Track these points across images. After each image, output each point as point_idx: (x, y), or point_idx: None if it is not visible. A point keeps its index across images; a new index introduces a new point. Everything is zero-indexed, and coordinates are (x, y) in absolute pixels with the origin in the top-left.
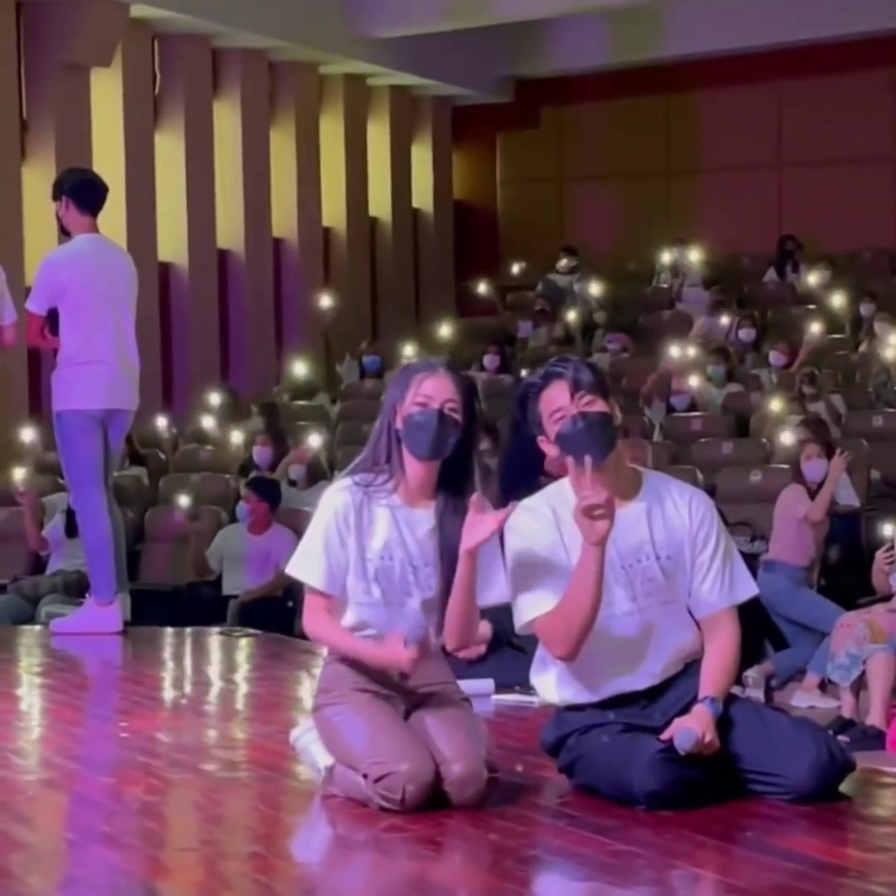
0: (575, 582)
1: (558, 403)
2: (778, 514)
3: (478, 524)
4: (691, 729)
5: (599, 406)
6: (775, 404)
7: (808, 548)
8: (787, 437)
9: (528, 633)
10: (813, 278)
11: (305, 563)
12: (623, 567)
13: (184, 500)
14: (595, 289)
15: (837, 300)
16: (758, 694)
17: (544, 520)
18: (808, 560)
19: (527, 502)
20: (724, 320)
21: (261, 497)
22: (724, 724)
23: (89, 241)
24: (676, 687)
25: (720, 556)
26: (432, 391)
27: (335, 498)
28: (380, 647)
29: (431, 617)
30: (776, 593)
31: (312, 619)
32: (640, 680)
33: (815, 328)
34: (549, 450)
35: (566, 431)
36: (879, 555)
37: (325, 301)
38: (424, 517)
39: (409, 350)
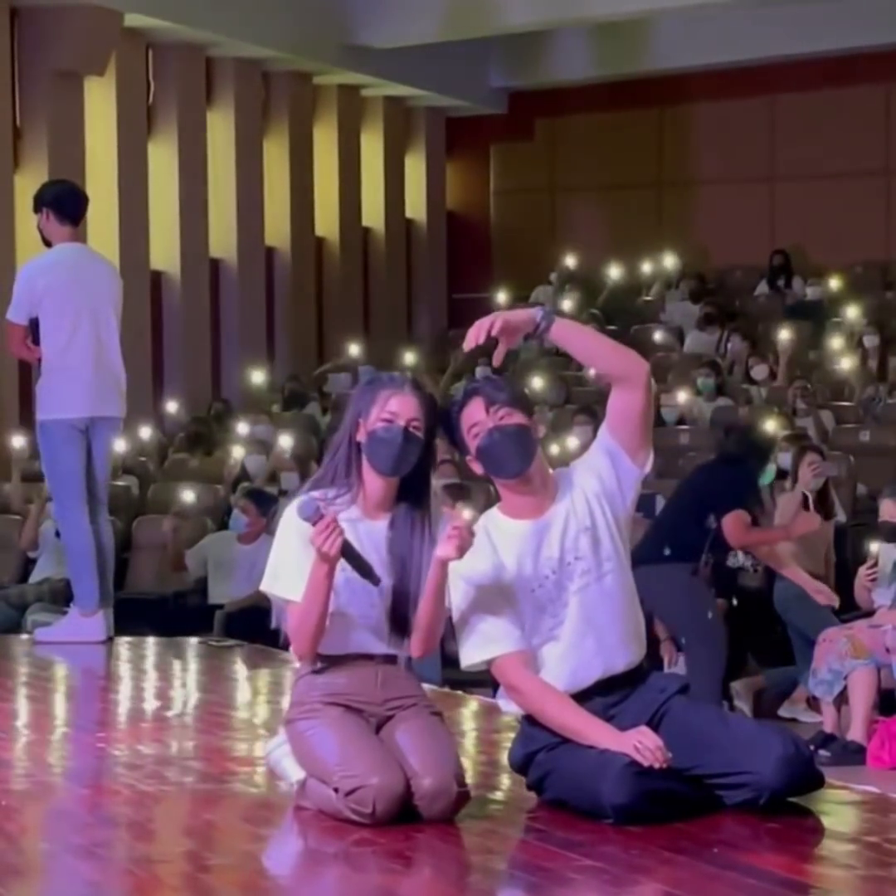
0: None
1: (475, 419)
2: (780, 523)
3: (454, 536)
4: None
5: (517, 418)
6: (771, 424)
7: (819, 553)
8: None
9: (478, 669)
10: (811, 291)
11: (283, 580)
12: (553, 571)
13: (188, 496)
14: (568, 304)
15: (852, 312)
16: (745, 707)
17: (482, 553)
18: (818, 566)
19: None
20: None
21: (259, 509)
22: (688, 732)
23: (68, 249)
24: (636, 700)
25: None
26: (398, 408)
27: (296, 514)
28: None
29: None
30: (785, 600)
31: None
32: (591, 667)
33: (785, 335)
34: (476, 467)
35: (484, 445)
36: (862, 571)
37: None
38: (383, 529)
39: (409, 358)
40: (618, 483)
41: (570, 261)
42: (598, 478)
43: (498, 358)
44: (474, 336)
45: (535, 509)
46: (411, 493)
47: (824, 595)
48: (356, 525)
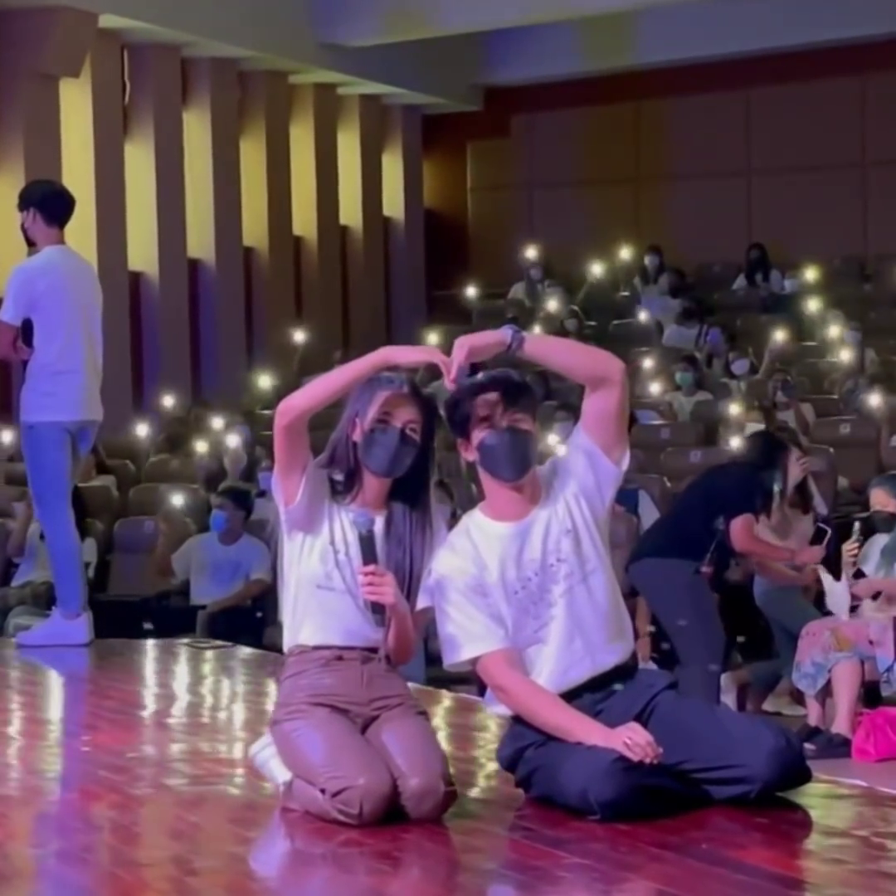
0: None
1: (489, 411)
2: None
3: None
4: None
5: (527, 425)
6: (734, 409)
7: (799, 548)
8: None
9: (463, 669)
10: (788, 285)
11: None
12: (535, 573)
13: (177, 499)
14: (553, 304)
15: (812, 305)
16: (729, 701)
17: (464, 553)
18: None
19: (447, 537)
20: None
21: (237, 506)
22: (677, 727)
23: (59, 252)
24: (624, 696)
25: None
26: (395, 410)
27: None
28: None
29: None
30: (765, 594)
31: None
32: (581, 667)
33: (780, 336)
34: (468, 454)
35: (491, 442)
36: (845, 547)
37: (299, 336)
38: (381, 524)
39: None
40: (596, 483)
41: (531, 253)
42: (576, 479)
43: (453, 375)
44: (453, 372)
45: (518, 511)
46: (408, 490)
47: (804, 575)
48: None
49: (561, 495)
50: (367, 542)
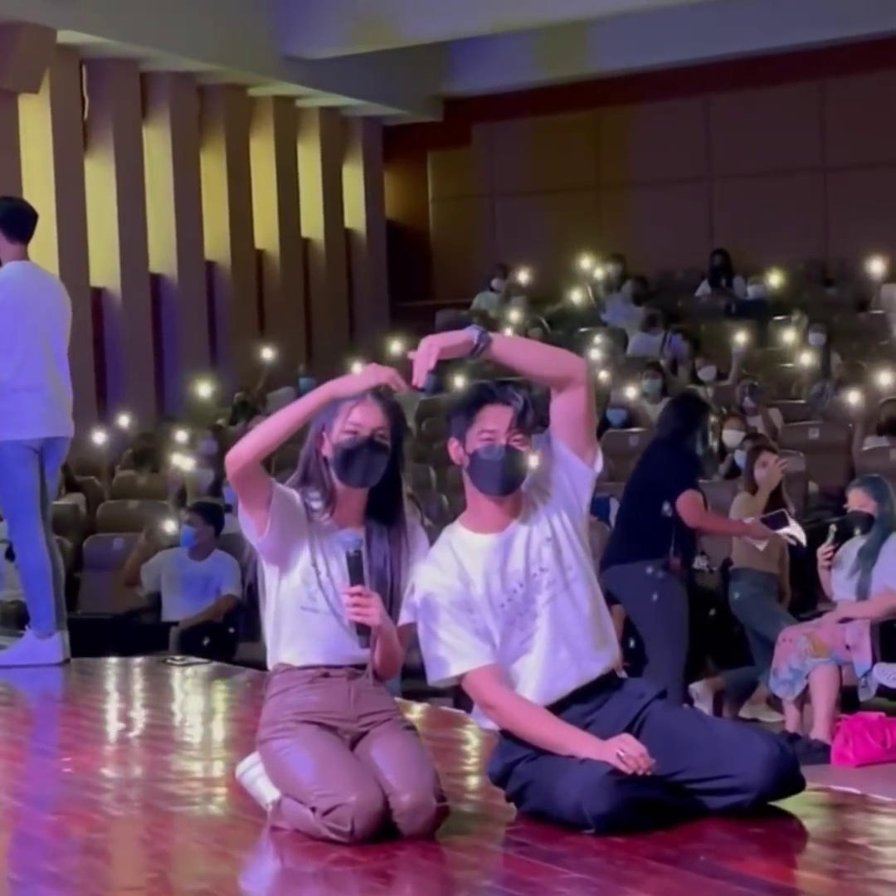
0: None
1: (494, 425)
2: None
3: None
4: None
5: (526, 447)
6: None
7: (772, 553)
8: (730, 437)
9: (448, 686)
10: (752, 290)
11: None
12: (520, 584)
13: (169, 527)
14: (515, 314)
15: (776, 309)
16: (705, 709)
17: (449, 569)
18: (772, 566)
19: (430, 553)
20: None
21: (207, 521)
22: (670, 737)
23: (20, 268)
24: (614, 706)
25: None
26: (362, 419)
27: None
28: None
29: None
30: (739, 601)
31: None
32: (568, 677)
33: (741, 339)
34: (457, 455)
35: (487, 457)
36: (821, 550)
37: (267, 353)
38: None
39: (357, 368)
40: (572, 487)
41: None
42: (553, 485)
43: (419, 377)
44: (420, 372)
45: (499, 523)
46: (384, 501)
47: (758, 531)
48: (331, 535)
49: (540, 504)
50: (354, 563)
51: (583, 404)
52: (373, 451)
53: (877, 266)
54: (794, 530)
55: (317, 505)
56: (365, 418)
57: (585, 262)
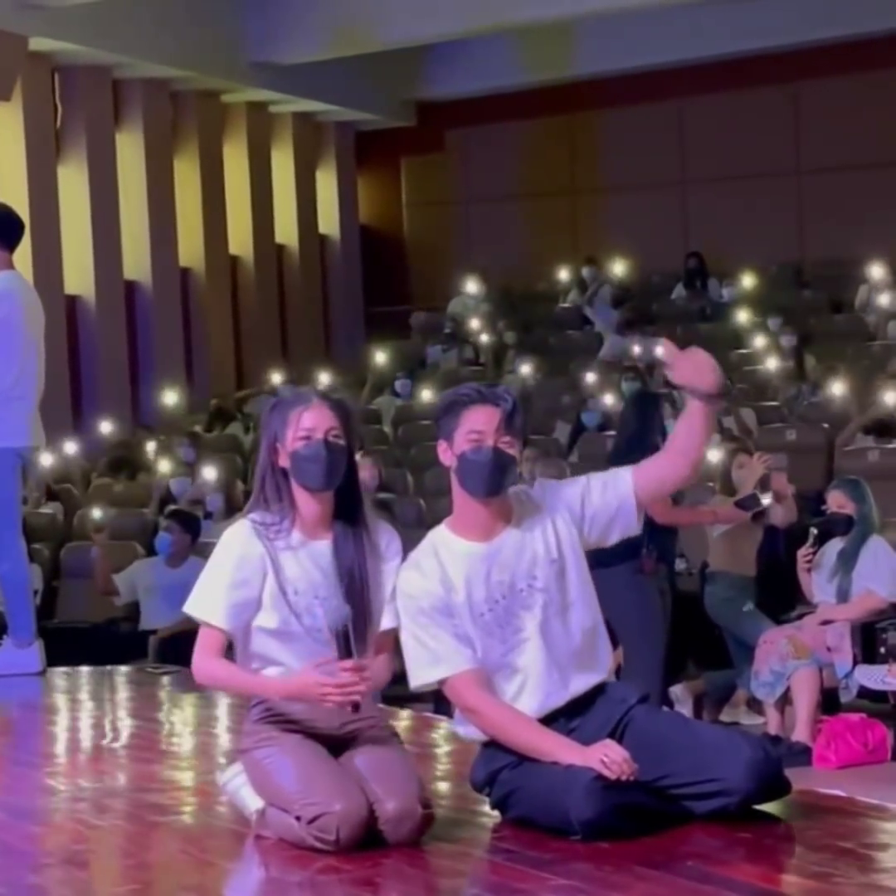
0: None
1: (482, 426)
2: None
3: None
4: None
5: (514, 450)
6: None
7: (748, 555)
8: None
9: (430, 690)
10: (726, 293)
11: (205, 602)
12: (503, 596)
13: (97, 513)
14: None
15: (744, 315)
16: (685, 712)
17: (431, 573)
18: (747, 568)
19: (413, 556)
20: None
21: (184, 530)
22: (653, 742)
23: (13, 277)
24: (597, 712)
25: (592, 478)
26: (313, 423)
27: (237, 535)
28: (288, 679)
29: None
30: (715, 605)
31: (206, 660)
32: (558, 695)
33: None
34: (445, 457)
35: (475, 458)
36: (801, 553)
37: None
38: (325, 549)
39: (324, 378)
40: (608, 523)
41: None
42: (579, 508)
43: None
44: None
45: (487, 529)
46: (345, 505)
47: (730, 514)
48: (298, 551)
49: (546, 519)
50: (342, 638)
51: (681, 481)
52: (330, 452)
53: (852, 268)
54: (765, 500)
55: (279, 525)
56: (316, 421)
57: (563, 271)
